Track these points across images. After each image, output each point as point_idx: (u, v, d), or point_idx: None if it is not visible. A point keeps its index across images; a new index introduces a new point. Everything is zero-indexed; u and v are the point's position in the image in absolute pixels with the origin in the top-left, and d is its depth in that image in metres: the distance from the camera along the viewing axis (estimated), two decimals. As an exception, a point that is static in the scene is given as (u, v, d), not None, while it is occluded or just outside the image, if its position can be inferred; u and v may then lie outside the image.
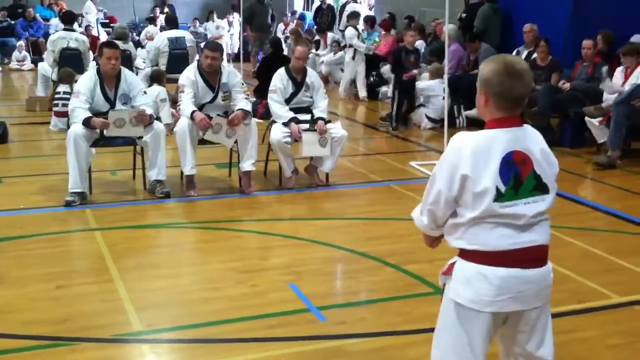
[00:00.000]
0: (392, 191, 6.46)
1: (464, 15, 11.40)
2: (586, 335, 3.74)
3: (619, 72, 8.01)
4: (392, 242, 5.03)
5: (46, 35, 15.37)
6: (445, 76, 7.85)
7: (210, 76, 6.31)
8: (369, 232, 5.38)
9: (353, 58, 12.06)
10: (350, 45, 12.03)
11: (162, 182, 6.18)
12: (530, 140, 2.48)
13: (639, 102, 7.27)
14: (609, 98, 7.82)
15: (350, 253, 4.90)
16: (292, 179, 6.52)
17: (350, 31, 12.10)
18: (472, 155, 2.39)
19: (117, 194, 6.33)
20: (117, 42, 10.76)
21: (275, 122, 6.54)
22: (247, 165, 6.30)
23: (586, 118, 7.94)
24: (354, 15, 12.68)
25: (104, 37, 15.47)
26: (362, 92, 12.09)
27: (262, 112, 9.31)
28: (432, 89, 9.49)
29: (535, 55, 9.06)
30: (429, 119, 9.56)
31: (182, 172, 6.39)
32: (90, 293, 4.18)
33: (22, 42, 16.90)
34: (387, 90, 11.77)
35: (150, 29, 17.18)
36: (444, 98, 8.11)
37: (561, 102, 8.37)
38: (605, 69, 8.30)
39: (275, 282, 4.38)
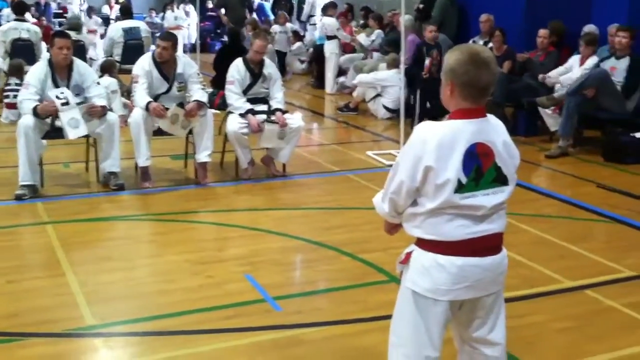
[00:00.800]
0: (349, 181, 6.48)
1: (421, 6, 11.45)
2: (537, 319, 3.81)
3: (575, 60, 8.13)
4: (348, 231, 5.04)
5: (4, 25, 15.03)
6: (402, 66, 7.88)
7: (165, 67, 6.23)
8: (326, 221, 5.39)
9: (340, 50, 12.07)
10: (332, 37, 11.92)
11: (116, 174, 6.10)
12: (494, 132, 2.48)
13: (591, 92, 7.40)
14: (561, 88, 7.94)
15: (307, 243, 4.90)
16: (249, 169, 6.49)
17: (331, 21, 12.01)
18: (437, 148, 2.37)
19: (70, 186, 6.23)
20: (70, 32, 10.62)
21: (231, 113, 6.49)
22: (202, 156, 6.25)
23: (539, 108, 8.07)
24: (333, 5, 12.68)
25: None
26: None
27: (219, 102, 9.23)
28: (389, 79, 9.52)
29: (490, 45, 9.15)
30: (386, 108, 9.61)
31: (136, 164, 6.31)
32: (41, 287, 4.10)
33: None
34: (344, 80, 11.80)
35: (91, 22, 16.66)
36: (400, 88, 8.15)
37: (515, 92, 8.48)
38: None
39: (231, 273, 4.36)
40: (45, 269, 4.41)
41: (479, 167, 2.43)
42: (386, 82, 9.56)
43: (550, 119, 8.06)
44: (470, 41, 9.67)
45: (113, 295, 4.05)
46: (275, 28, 13.44)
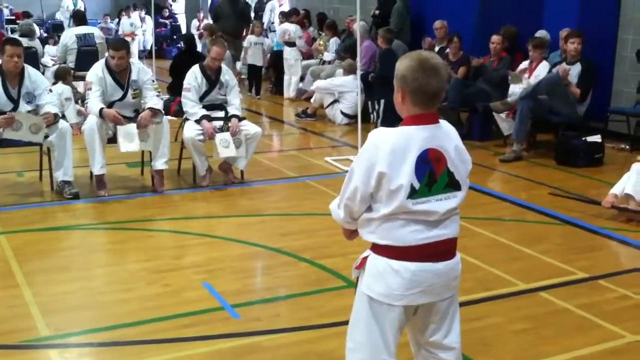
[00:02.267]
0: (307, 187, 6.49)
1: (377, 12, 11.55)
2: (493, 321, 3.86)
3: (524, 65, 8.28)
4: (306, 237, 5.05)
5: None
6: (358, 72, 7.94)
7: (119, 73, 6.16)
8: (284, 227, 5.39)
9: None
10: (293, 44, 11.93)
11: (70, 182, 6.01)
12: (446, 137, 2.51)
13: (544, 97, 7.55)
14: (514, 93, 8.08)
15: (265, 249, 4.90)
16: (206, 176, 6.45)
17: (294, 27, 11.98)
18: (390, 154, 2.40)
19: (23, 195, 6.12)
20: (22, 39, 10.45)
21: (188, 119, 6.46)
22: (159, 164, 6.20)
23: (493, 112, 8.20)
24: (295, 12, 12.72)
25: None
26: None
27: (176, 109, 9.16)
28: (346, 85, 9.57)
29: (447, 50, 9.28)
30: (344, 114, 9.65)
31: (91, 172, 6.23)
32: (-6, 299, 4.03)
33: None
34: (302, 86, 11.82)
35: None
36: (357, 94, 8.19)
37: (469, 96, 8.61)
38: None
39: (188, 281, 4.34)
40: (-2, 280, 4.33)
41: (432, 173, 2.46)
42: (343, 88, 9.60)
43: (504, 123, 8.20)
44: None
45: (68, 306, 3.99)
46: (250, 39, 12.05)
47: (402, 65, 2.50)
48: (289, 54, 11.86)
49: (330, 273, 4.46)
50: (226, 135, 6.27)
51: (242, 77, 12.44)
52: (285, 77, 11.97)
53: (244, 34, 12.28)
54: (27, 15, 17.71)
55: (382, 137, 2.46)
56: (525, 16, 9.46)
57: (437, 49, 9.80)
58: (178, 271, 4.50)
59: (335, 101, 9.77)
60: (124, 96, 6.20)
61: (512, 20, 9.31)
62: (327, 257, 4.66)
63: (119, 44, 6.30)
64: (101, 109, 5.98)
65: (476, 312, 3.94)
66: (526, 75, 8.05)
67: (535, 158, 7.79)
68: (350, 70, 9.52)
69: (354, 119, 9.17)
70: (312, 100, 10.43)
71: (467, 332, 3.60)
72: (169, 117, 8.67)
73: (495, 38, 8.74)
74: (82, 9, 16.82)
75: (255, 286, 4.35)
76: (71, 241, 5.18)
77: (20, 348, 3.48)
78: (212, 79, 6.50)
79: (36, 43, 11.03)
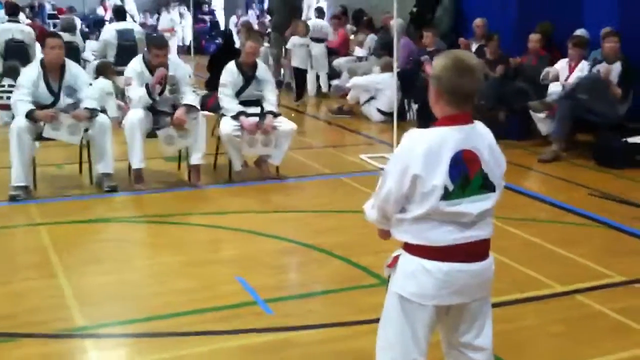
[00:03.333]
0: (342, 184, 6.49)
1: (414, 9, 11.49)
2: (527, 324, 3.82)
3: (563, 63, 8.17)
4: (339, 234, 5.05)
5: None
6: (395, 70, 7.91)
7: (157, 69, 6.22)
8: (317, 224, 5.40)
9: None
10: (321, 40, 11.89)
11: (110, 175, 6.10)
12: (480, 138, 2.50)
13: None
14: (553, 92, 7.98)
15: (298, 245, 4.91)
16: (242, 172, 6.50)
17: (325, 23, 11.98)
18: (424, 155, 2.39)
19: (63, 188, 6.24)
20: (64, 34, 10.63)
21: (224, 115, 6.51)
22: (195, 159, 6.26)
23: (530, 112, 8.10)
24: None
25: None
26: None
27: (213, 104, 9.24)
28: (383, 82, 9.54)
29: (485, 49, 9.19)
30: (380, 111, 9.63)
31: (130, 166, 6.31)
32: (33, 289, 4.11)
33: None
34: (338, 83, 11.82)
35: None
36: (394, 91, 8.17)
37: (507, 95, 8.52)
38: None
39: (222, 275, 4.37)
40: (37, 271, 4.41)
41: (465, 174, 2.44)
42: (380, 85, 9.58)
43: (543, 123, 8.09)
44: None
45: (104, 297, 4.06)
46: (294, 40, 11.46)
47: (437, 64, 2.49)
48: (318, 50, 11.83)
49: (363, 270, 4.45)
50: (255, 135, 6.28)
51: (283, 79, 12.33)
52: (309, 75, 11.88)
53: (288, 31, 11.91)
54: (70, 10, 18.04)
55: (416, 139, 2.45)
56: (564, 14, 9.32)
57: (475, 47, 9.70)
58: (212, 265, 4.55)
59: (372, 98, 9.76)
60: (162, 92, 6.26)
61: (550, 18, 9.19)
62: (360, 254, 4.65)
63: (163, 43, 6.40)
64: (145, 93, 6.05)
65: (510, 314, 3.90)
66: (565, 75, 7.93)
67: (575, 159, 7.67)
68: (387, 68, 9.48)
69: (390, 117, 9.15)
70: (348, 97, 10.43)
71: (500, 334, 3.56)
72: (206, 113, 8.76)
73: (533, 37, 8.64)
74: (122, 5, 17.01)
75: (288, 282, 4.37)
76: (108, 233, 5.27)
77: (57, 337, 3.54)
78: (248, 74, 6.54)
79: (77, 38, 11.21)
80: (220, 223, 5.38)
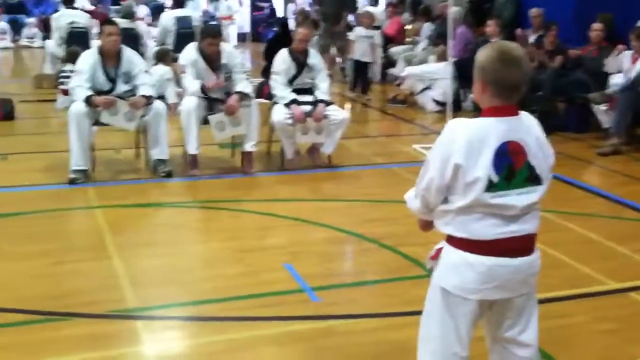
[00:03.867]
0: (393, 173, 6.46)
1: (473, -2, 11.33)
2: (577, 320, 3.75)
3: (626, 56, 7.93)
4: (389, 224, 5.03)
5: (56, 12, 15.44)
6: (450, 59, 7.81)
7: (211, 57, 6.29)
8: (367, 214, 5.40)
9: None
10: (377, 27, 11.84)
11: (165, 161, 6.22)
12: (526, 130, 2.45)
13: None
14: (614, 84, 7.76)
15: (348, 234, 4.92)
16: (294, 160, 6.54)
17: (379, 11, 11.89)
18: (466, 145, 2.36)
19: (120, 172, 6.38)
20: (123, 20, 10.84)
21: (277, 103, 6.55)
22: (248, 146, 6.32)
23: (591, 104, 7.90)
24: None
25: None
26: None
27: (268, 92, 9.29)
28: (438, 71, 9.43)
29: (544, 39, 9.00)
30: (435, 101, 9.53)
31: (185, 151, 6.41)
32: (86, 269, 4.23)
33: (32, 20, 16.96)
34: (393, 72, 11.74)
35: None
36: (449, 81, 8.07)
37: (566, 87, 8.32)
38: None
39: (270, 262, 4.41)
40: (92, 252, 4.53)
41: (511, 166, 2.40)
42: (435, 75, 9.48)
43: (603, 115, 7.87)
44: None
45: (155, 280, 4.15)
46: (358, 31, 10.88)
47: (482, 55, 2.45)
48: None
49: (411, 261, 4.44)
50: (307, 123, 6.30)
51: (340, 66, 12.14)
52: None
53: (343, 20, 11.54)
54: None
55: (458, 128, 2.42)
56: (625, 5, 9.03)
57: (533, 38, 9.50)
58: (261, 252, 4.60)
59: (427, 88, 9.66)
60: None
61: (611, 9, 8.91)
62: (409, 245, 4.62)
63: (217, 32, 6.49)
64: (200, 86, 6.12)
65: (560, 310, 3.83)
66: (628, 66, 7.70)
67: (635, 153, 7.45)
68: (443, 57, 9.37)
69: (445, 107, 9.07)
70: (402, 86, 10.35)
71: (548, 330, 3.52)
72: (261, 100, 8.82)
73: (596, 26, 8.40)
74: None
75: (335, 270, 4.37)
76: (161, 217, 5.37)
77: (107, 318, 3.64)
78: (300, 61, 6.56)
79: (137, 24, 11.40)
80: (271, 210, 5.42)
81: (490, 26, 9.48)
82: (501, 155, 2.39)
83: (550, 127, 8.32)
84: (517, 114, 2.46)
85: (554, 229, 5.12)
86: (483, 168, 2.37)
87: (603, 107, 7.81)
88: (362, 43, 10.66)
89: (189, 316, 3.73)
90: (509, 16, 10.49)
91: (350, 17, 12.67)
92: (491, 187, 2.38)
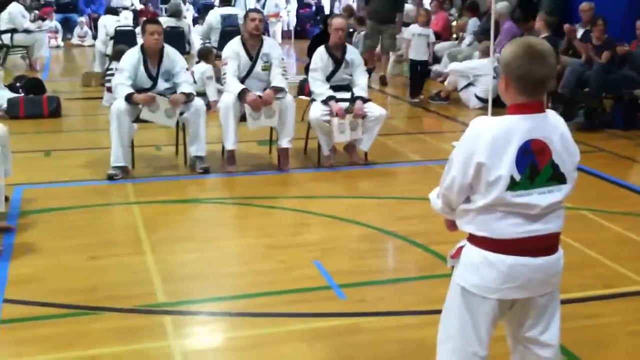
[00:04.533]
0: (430, 171, 6.41)
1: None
2: (608, 320, 3.68)
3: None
4: (421, 222, 4.99)
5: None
6: (492, 55, 7.70)
7: (251, 45, 6.35)
8: (401, 211, 5.38)
9: None
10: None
11: (202, 158, 6.29)
12: (552, 128, 2.41)
13: None
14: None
15: (379, 232, 4.91)
16: (331, 157, 6.54)
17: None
18: (491, 143, 2.34)
19: (159, 168, 6.48)
20: (170, 19, 11.02)
21: (314, 100, 6.56)
22: (284, 142, 6.35)
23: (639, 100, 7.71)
24: None
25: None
26: None
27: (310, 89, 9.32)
28: (481, 68, 9.31)
29: (592, 34, 8.80)
30: (478, 98, 9.41)
31: (223, 148, 6.48)
32: (120, 264, 4.31)
33: (83, 19, 17.33)
34: (437, 68, 11.64)
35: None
36: (494, 77, 7.96)
37: (613, 83, 8.13)
38: None
39: (301, 259, 4.43)
40: (126, 247, 4.62)
41: (534, 165, 2.36)
42: (478, 71, 9.36)
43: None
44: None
45: (186, 275, 4.21)
46: (413, 29, 10.23)
47: (507, 51, 2.41)
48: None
49: (442, 259, 4.39)
50: (344, 120, 6.31)
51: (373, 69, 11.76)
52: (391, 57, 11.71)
53: (397, 20, 10.99)
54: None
55: (482, 126, 2.39)
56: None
57: (581, 32, 9.31)
58: (293, 248, 4.62)
59: (470, 84, 9.55)
60: (253, 67, 6.37)
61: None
62: (440, 243, 4.58)
63: (258, 10, 6.66)
64: (242, 90, 6.17)
65: (591, 310, 3.77)
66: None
67: (682, 151, 7.25)
68: (486, 53, 9.24)
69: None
70: (445, 82, 10.26)
71: (578, 330, 3.48)
72: (302, 97, 8.86)
73: (641, 22, 8.19)
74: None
75: (365, 268, 4.36)
76: (197, 213, 5.44)
77: (138, 312, 3.71)
78: (338, 58, 6.56)
79: (183, 23, 11.58)
80: (305, 207, 5.44)
81: (538, 21, 9.29)
82: (525, 153, 2.35)
83: (596, 123, 8.22)
84: (542, 111, 2.42)
85: (592, 228, 5.02)
86: (506, 166, 2.34)
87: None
88: (418, 41, 10.13)
89: (216, 312, 3.78)
90: (558, 10, 10.26)
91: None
92: (513, 185, 2.35)
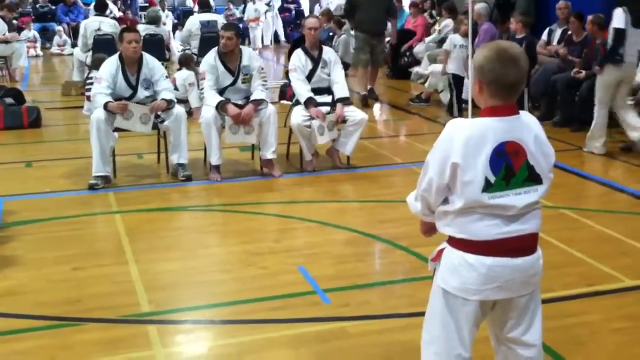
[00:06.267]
0: (412, 173, 6.42)
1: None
2: (591, 318, 3.71)
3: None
4: (404, 225, 5.01)
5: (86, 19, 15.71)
6: (471, 56, 7.75)
7: (230, 60, 6.34)
8: (383, 214, 5.39)
9: None
10: None
11: (184, 165, 6.28)
12: (526, 129, 2.44)
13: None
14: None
15: (362, 235, 4.92)
16: (313, 161, 6.56)
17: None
18: (464, 145, 2.37)
19: (141, 177, 6.46)
20: (149, 26, 10.98)
21: (296, 104, 6.58)
22: (268, 154, 6.34)
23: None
24: None
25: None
26: None
27: (292, 93, 9.32)
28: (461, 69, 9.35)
29: (569, 32, 8.88)
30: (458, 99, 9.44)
31: (205, 156, 6.47)
32: (103, 275, 4.29)
33: (61, 27, 17.25)
34: (418, 70, 11.69)
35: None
36: (469, 78, 8.01)
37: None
38: None
39: (284, 264, 4.44)
40: (109, 257, 4.60)
41: (509, 166, 2.39)
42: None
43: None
44: (547, 30, 9.47)
45: (170, 284, 4.20)
46: (455, 40, 9.15)
47: (479, 55, 2.45)
48: None
49: (425, 262, 4.37)
50: (324, 122, 6.33)
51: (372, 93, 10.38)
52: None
53: (391, 27, 10.26)
54: (161, 3, 18.60)
55: (456, 128, 2.42)
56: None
57: (559, 31, 9.39)
58: (276, 254, 4.62)
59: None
60: (235, 82, 6.37)
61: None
62: (423, 245, 4.53)
63: (230, 26, 6.61)
64: (219, 102, 6.15)
65: (574, 309, 3.80)
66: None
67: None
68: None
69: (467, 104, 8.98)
70: (426, 84, 10.30)
71: (560, 329, 3.51)
72: (285, 102, 8.87)
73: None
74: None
75: (348, 272, 4.37)
76: (179, 222, 5.43)
77: (122, 322, 3.70)
78: (315, 57, 6.59)
79: (162, 30, 11.54)
80: (289, 212, 5.45)
81: (515, 22, 9.36)
82: (499, 155, 2.39)
83: (573, 121, 8.27)
84: (516, 113, 2.46)
85: (572, 226, 5.07)
86: (480, 168, 2.37)
87: (628, 101, 7.67)
88: (459, 53, 8.95)
89: (201, 320, 3.77)
90: (533, 10, 10.34)
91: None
92: (489, 187, 2.38)
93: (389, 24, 10.58)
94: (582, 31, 8.64)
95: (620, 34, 6.87)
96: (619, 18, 6.90)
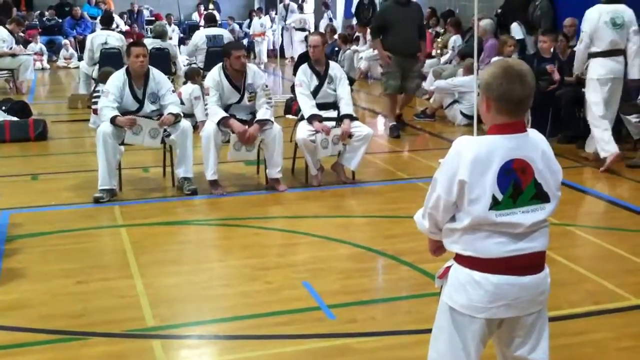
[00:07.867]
0: (418, 189, 6.43)
1: (499, 10, 11.24)
2: (598, 337, 3.68)
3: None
4: (410, 240, 4.99)
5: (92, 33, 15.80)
6: (476, 72, 7.77)
7: (235, 77, 6.34)
8: (389, 229, 5.39)
9: None
10: None
11: (190, 179, 6.28)
12: (534, 147, 2.44)
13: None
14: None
15: (368, 251, 4.91)
16: (318, 176, 6.56)
17: None
18: (472, 162, 2.37)
19: (146, 190, 6.46)
20: (156, 40, 11.03)
21: (301, 120, 6.59)
22: (273, 172, 6.34)
23: (621, 115, 7.77)
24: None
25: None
26: None
27: (297, 108, 9.34)
28: (466, 85, 9.37)
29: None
30: (464, 115, 9.47)
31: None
32: (108, 288, 4.28)
33: (68, 41, 17.35)
34: (423, 85, 11.70)
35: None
36: (479, 94, 8.01)
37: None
38: None
39: (289, 279, 4.42)
40: (114, 271, 4.60)
41: (517, 184, 2.39)
42: (463, 88, 9.41)
43: (634, 126, 7.74)
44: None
45: (175, 298, 4.19)
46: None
47: (486, 73, 2.46)
48: None
49: (431, 278, 4.38)
50: (328, 136, 6.35)
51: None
52: None
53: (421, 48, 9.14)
54: (168, 17, 18.71)
55: (464, 146, 2.43)
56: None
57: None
58: (280, 269, 4.61)
59: (455, 102, 9.62)
60: (241, 99, 6.38)
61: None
62: (429, 261, 4.51)
63: (242, 44, 6.58)
64: (222, 118, 6.15)
65: (580, 327, 3.78)
66: None
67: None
68: (470, 70, 9.31)
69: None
70: (431, 100, 10.32)
71: (567, 347, 3.49)
72: (289, 116, 8.89)
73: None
74: (215, 11, 17.50)
75: (354, 287, 4.36)
76: (185, 235, 5.42)
77: (126, 337, 3.69)
78: (321, 74, 6.60)
79: (169, 44, 11.59)
80: (293, 227, 5.44)
81: (544, 42, 9.28)
82: (507, 173, 2.39)
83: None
84: (524, 131, 2.46)
85: (578, 244, 5.05)
86: (487, 186, 2.37)
87: (634, 118, 7.68)
88: None
89: (205, 335, 3.76)
90: (546, 27, 10.32)
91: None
92: (496, 205, 2.38)
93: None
94: (567, 50, 8.68)
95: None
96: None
